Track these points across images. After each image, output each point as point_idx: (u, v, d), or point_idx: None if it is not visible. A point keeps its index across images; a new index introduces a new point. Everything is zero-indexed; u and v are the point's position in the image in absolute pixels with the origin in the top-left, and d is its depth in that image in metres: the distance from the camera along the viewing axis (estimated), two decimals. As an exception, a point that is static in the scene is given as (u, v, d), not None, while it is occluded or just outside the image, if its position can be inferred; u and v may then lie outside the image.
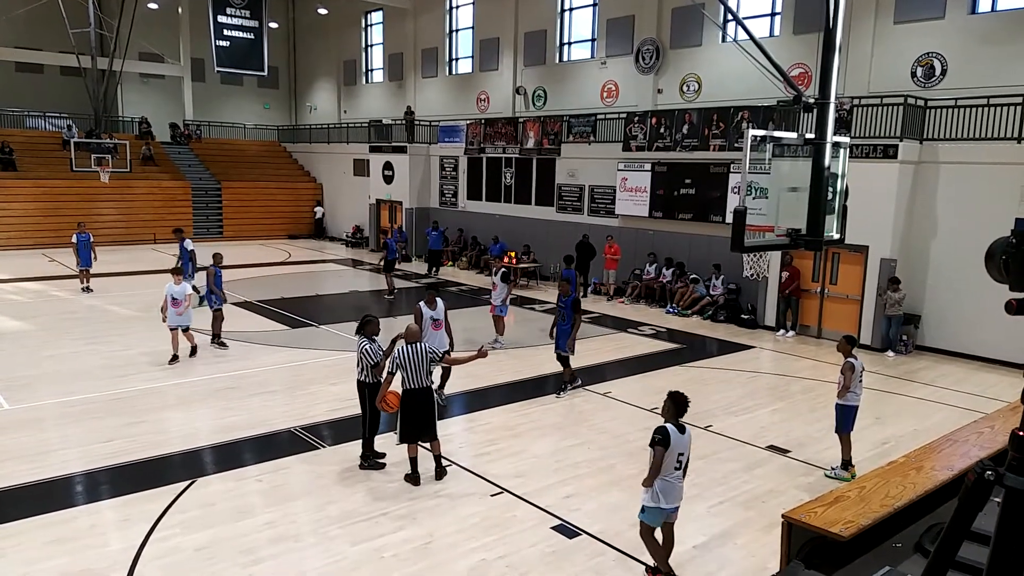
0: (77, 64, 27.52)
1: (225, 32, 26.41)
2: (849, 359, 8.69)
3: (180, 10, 34.19)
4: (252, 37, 27.07)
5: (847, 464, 8.63)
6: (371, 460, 8.49)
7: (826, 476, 8.58)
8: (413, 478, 8.05)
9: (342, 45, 35.19)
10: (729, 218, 16.71)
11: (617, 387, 11.68)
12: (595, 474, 8.41)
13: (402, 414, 7.95)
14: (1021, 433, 1.25)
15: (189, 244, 16.02)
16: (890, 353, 14.25)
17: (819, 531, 3.02)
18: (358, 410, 10.11)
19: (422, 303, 10.78)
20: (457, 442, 9.50)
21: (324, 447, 9.03)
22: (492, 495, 7.75)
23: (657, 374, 12.52)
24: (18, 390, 10.75)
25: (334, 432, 9.49)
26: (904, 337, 14.39)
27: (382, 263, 20.20)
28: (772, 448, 9.29)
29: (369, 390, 8.32)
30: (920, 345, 14.54)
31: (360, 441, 8.58)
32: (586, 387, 11.50)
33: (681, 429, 6.11)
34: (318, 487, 7.93)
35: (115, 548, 6.51)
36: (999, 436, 3.83)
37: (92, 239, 18.40)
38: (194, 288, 13.88)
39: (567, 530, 7.01)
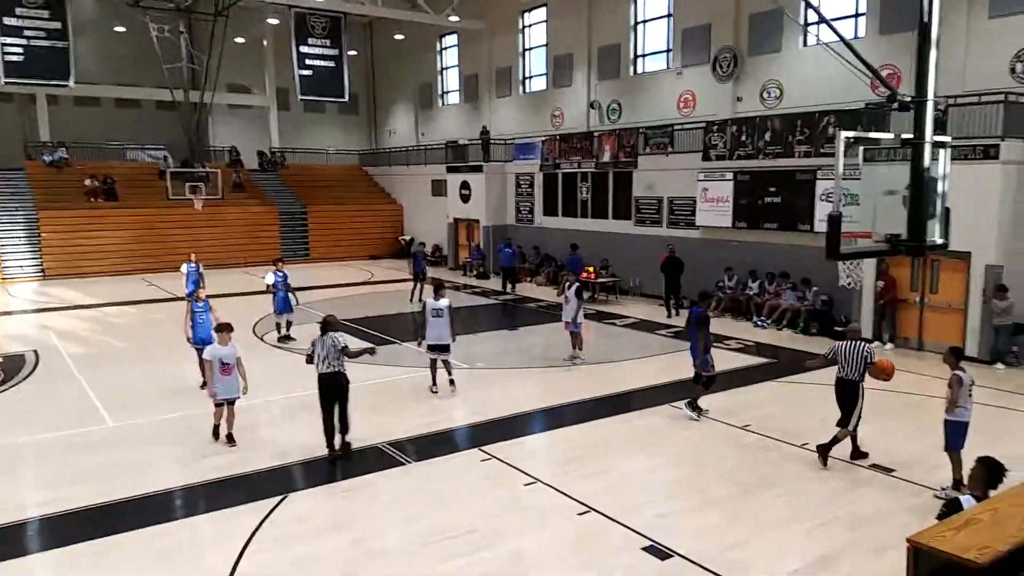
0: (171, 97, 29.10)
1: (307, 62, 27.38)
2: (956, 372, 8.18)
3: (265, 43, 35.74)
4: (333, 65, 27.97)
5: (959, 484, 8.06)
6: (338, 453, 9.11)
7: (935, 497, 8.04)
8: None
9: (418, 69, 36.00)
10: (818, 227, 16.12)
11: (706, 403, 11.31)
12: (687, 495, 8.14)
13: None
14: None
15: (272, 277, 15.82)
16: (999, 365, 13.36)
17: (950, 557, 2.77)
18: (444, 426, 10.16)
19: (430, 297, 11.93)
20: (541, 458, 9.40)
21: (410, 462, 9.07)
22: (580, 514, 7.59)
23: (747, 390, 12.09)
24: (119, 408, 11.26)
25: (418, 448, 9.53)
26: (1014, 348, 13.47)
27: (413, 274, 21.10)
28: (875, 467, 8.78)
29: (337, 383, 9.10)
30: (1034, 357, 13.57)
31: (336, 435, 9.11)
32: (671, 404, 11.19)
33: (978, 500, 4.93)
34: (406, 503, 7.96)
35: (211, 563, 6.67)
36: None
37: (201, 268, 17.97)
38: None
39: (659, 551, 6.77)
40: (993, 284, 13.37)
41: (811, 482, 8.42)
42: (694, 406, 10.69)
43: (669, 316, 18.47)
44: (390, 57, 37.74)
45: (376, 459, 9.19)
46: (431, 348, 11.89)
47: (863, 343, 9.12)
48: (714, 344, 15.49)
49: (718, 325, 17.21)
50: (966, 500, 4.79)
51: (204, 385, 10.82)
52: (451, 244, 29.44)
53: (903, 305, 15.05)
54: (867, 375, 8.90)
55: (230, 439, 9.52)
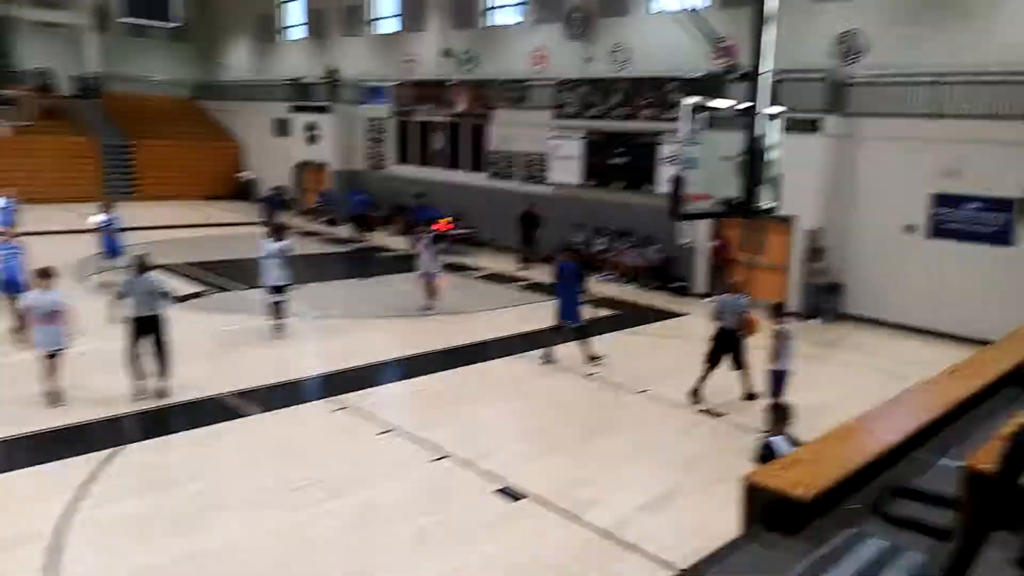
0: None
1: (132, -22, 24.74)
2: (778, 326, 9.00)
3: (82, -48, 31.84)
4: (160, -16, 25.51)
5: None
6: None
7: (758, 439, 8.90)
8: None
9: (259, -1, 33.54)
10: (661, 188, 16.97)
11: (562, 353, 11.74)
12: (538, 439, 8.49)
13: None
14: None
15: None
16: (817, 320, 14.85)
17: (780, 494, 3.08)
18: (293, 375, 9.90)
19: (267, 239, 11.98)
20: (394, 408, 9.41)
21: (256, 413, 8.76)
22: (432, 460, 7.71)
23: (593, 341, 12.67)
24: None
25: (265, 398, 9.21)
26: (829, 305, 15.00)
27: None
28: (706, 412, 9.56)
29: (154, 327, 8.89)
30: (844, 313, 15.17)
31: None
32: (523, 354, 11.53)
33: (796, 443, 5.36)
34: (251, 455, 7.71)
35: (31, 522, 6.15)
36: (939, 401, 4.01)
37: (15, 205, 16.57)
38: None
39: (510, 493, 7.04)
40: (812, 247, 14.77)
41: (651, 425, 9.04)
42: (593, 357, 11.09)
43: (521, 267, 18.90)
44: (229, -18, 34.85)
45: (218, 410, 8.79)
46: (274, 289, 11.78)
47: (742, 297, 9.93)
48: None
49: (565, 278, 17.84)
50: (777, 441, 5.39)
51: (20, 329, 9.84)
52: (297, 188, 28.16)
53: (735, 264, 16.28)
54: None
55: (54, 397, 8.63)
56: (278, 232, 12.20)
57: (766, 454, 5.37)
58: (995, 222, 13.28)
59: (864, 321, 14.79)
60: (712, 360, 9.74)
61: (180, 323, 12.13)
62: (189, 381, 9.40)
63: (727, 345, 9.71)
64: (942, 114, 13.75)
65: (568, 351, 11.40)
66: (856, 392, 10.44)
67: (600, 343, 12.03)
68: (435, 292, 13.88)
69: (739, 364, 9.78)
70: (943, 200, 13.81)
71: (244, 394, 9.27)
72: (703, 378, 9.73)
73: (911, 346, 13.22)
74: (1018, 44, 13.92)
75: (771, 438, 5.50)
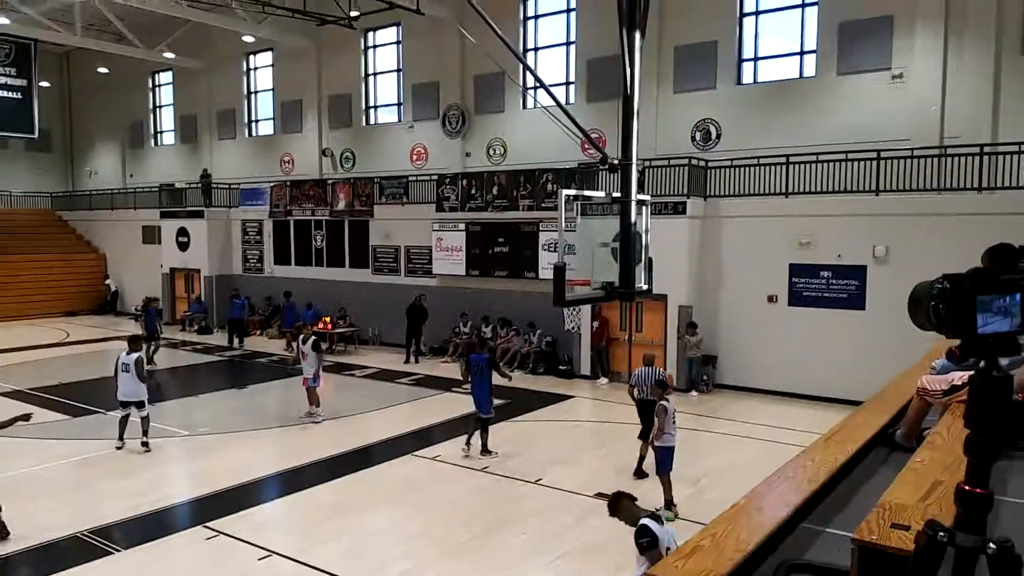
0: None
1: (-13, 90, 23.59)
2: (662, 402, 9.12)
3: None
4: (20, 97, 24.44)
5: (670, 504, 8.95)
6: None
7: None
8: None
9: (127, 106, 32.65)
10: (542, 274, 17.30)
11: (445, 449, 11.39)
12: (432, 544, 8.04)
13: None
14: (967, 488, 1.20)
15: None
16: (693, 393, 15.24)
17: (683, 587, 2.95)
18: (160, 504, 9.14)
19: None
20: (277, 528, 8.72)
21: (119, 551, 7.86)
22: (321, 583, 7.12)
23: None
24: None
25: (129, 532, 8.32)
26: (704, 377, 15.49)
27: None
28: (601, 495, 9.40)
29: None
30: (719, 383, 15.69)
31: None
32: (414, 453, 11.11)
33: (657, 519, 5.39)
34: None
35: None
36: (821, 469, 4.05)
37: None
38: None
39: (406, 610, 6.56)
40: (685, 322, 15.32)
41: (546, 516, 8.79)
42: (486, 450, 10.90)
43: (408, 362, 18.54)
44: (93, 91, 33.73)
45: (76, 551, 7.83)
46: (123, 404, 11.29)
47: (656, 368, 10.37)
48: (453, 388, 15.88)
49: (455, 370, 17.60)
50: (649, 522, 5.23)
51: None
52: (167, 296, 26.75)
53: (615, 343, 16.64)
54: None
55: None
56: (130, 343, 11.66)
57: (649, 540, 5.20)
58: (848, 288, 14.29)
59: (738, 390, 15.34)
60: (645, 434, 9.96)
61: (28, 454, 11.04)
62: (36, 522, 8.37)
63: (647, 414, 9.92)
64: (792, 192, 14.89)
65: (455, 448, 11.09)
66: (739, 461, 10.72)
67: (492, 432, 11.81)
68: (316, 398, 13.17)
69: (646, 435, 9.96)
70: (799, 270, 14.77)
71: (102, 531, 8.32)
72: (642, 454, 9.95)
73: (782, 411, 13.75)
74: (855, 125, 15.45)
75: (642, 521, 5.32)
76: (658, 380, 9.81)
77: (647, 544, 5.12)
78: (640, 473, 9.96)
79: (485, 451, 10.92)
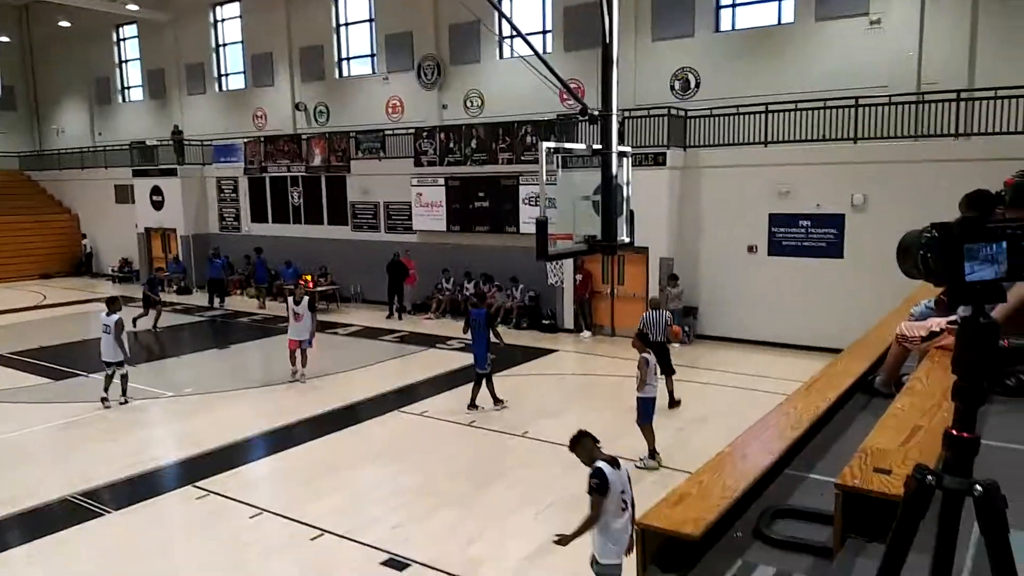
0: None
1: (-60, 45, 22.70)
2: (643, 355, 9.25)
3: None
4: (-23, 51, 23.56)
5: (653, 453, 9.15)
6: None
7: (636, 467, 9.02)
8: None
9: (92, 61, 31.68)
10: (523, 228, 17.25)
11: (432, 405, 11.51)
12: (421, 500, 8.17)
13: None
14: (954, 432, 1.23)
15: None
16: (675, 344, 15.41)
17: (671, 533, 3.04)
18: (149, 465, 9.19)
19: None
20: (267, 486, 8.81)
21: (110, 512, 7.92)
22: (312, 539, 7.23)
23: (470, 387, 12.51)
24: None
25: (119, 494, 8.37)
26: (686, 328, 15.65)
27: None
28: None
29: None
30: (700, 334, 15.89)
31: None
32: (401, 409, 11.21)
33: (614, 463, 5.31)
34: (109, 559, 6.93)
35: None
36: (803, 416, 4.15)
37: None
38: None
39: (397, 563, 6.70)
40: (667, 274, 15.42)
41: (532, 469, 8.94)
42: (473, 404, 11.05)
43: (390, 318, 18.56)
44: (56, 46, 32.65)
45: (67, 513, 7.88)
46: (106, 364, 11.41)
47: (663, 312, 11.35)
48: (437, 345, 15.96)
49: (438, 326, 17.69)
50: (605, 466, 5.22)
51: None
52: (143, 257, 26.42)
53: (598, 296, 16.74)
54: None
55: None
56: (109, 304, 11.58)
57: (599, 483, 5.20)
58: (826, 237, 14.42)
59: (719, 340, 15.55)
60: (668, 370, 11.03)
61: (12, 419, 11.00)
62: (24, 486, 8.39)
63: (659, 355, 10.47)
64: (771, 141, 14.89)
65: (443, 401, 11.20)
66: (718, 410, 10.95)
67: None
68: (306, 359, 13.06)
69: (668, 370, 11.04)
70: (779, 220, 14.87)
71: (91, 493, 8.36)
72: (669, 388, 11.08)
73: (762, 360, 13.98)
74: (833, 72, 15.40)
75: (597, 463, 5.30)
76: (639, 333, 9.92)
77: (596, 487, 5.12)
78: (673, 403, 11.09)
79: (473, 405, 11.03)
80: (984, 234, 1.44)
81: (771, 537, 3.13)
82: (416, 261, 19.22)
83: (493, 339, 11.07)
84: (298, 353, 12.87)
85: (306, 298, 13.01)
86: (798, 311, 14.55)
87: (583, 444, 5.45)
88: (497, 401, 11.14)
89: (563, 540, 5.42)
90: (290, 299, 13.05)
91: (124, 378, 11.51)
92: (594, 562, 5.26)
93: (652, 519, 3.12)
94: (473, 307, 11.63)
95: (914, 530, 1.48)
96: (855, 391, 4.93)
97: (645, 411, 9.18)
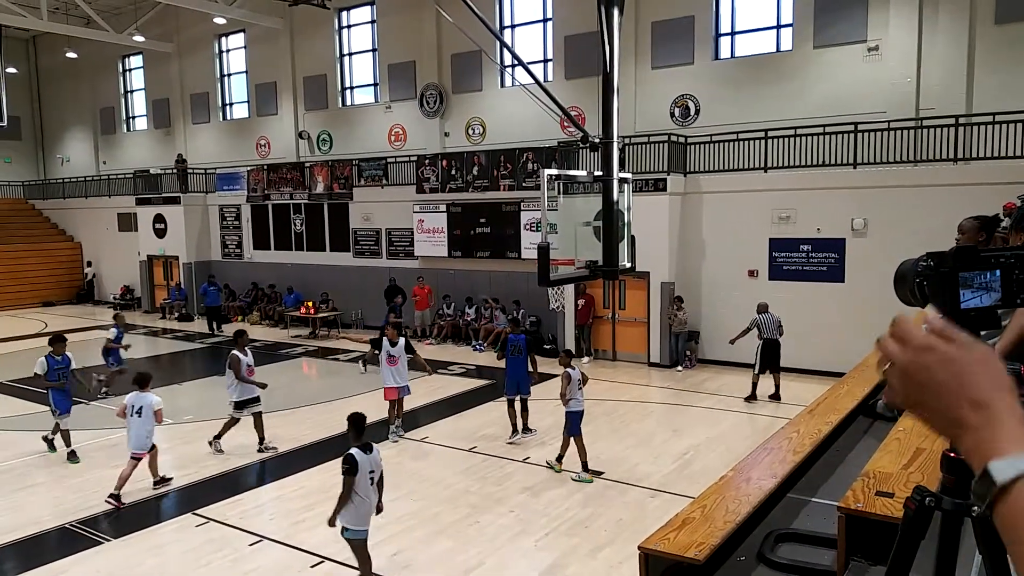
0: None
1: (-50, 77, 23.01)
2: (567, 370, 9.34)
3: None
4: (-15, 82, 23.85)
5: (585, 466, 9.34)
6: None
7: (572, 480, 9.16)
8: None
9: (97, 91, 32.06)
10: (525, 254, 17.30)
11: (433, 431, 11.46)
12: (421, 525, 8.10)
13: None
14: (952, 455, 1.24)
15: None
16: (678, 368, 15.39)
17: (675, 558, 3.02)
18: (148, 493, 9.14)
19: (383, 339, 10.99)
20: (267, 513, 8.74)
21: (109, 540, 7.85)
22: (312, 566, 7.16)
23: (471, 413, 12.48)
24: None
25: (118, 522, 8.31)
26: (688, 352, 15.63)
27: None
28: (586, 471, 9.52)
29: None
30: (702, 359, 15.85)
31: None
32: (403, 436, 11.15)
33: (367, 449, 6.29)
34: (105, 590, 6.86)
35: None
36: (805, 440, 4.13)
37: None
38: None
39: (398, 591, 6.62)
40: (672, 297, 15.42)
41: (534, 494, 8.88)
42: (527, 428, 10.95)
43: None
44: (62, 76, 33.06)
45: (65, 542, 7.82)
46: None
47: (773, 314, 12.60)
48: (438, 371, 15.91)
49: (439, 351, 17.66)
50: (355, 451, 6.17)
51: None
52: (145, 284, 26.49)
53: (599, 321, 16.73)
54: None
55: None
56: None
57: (348, 468, 6.12)
58: (827, 261, 14.45)
59: (721, 364, 15.49)
60: (763, 367, 12.50)
61: (11, 446, 10.94)
62: (22, 514, 8.33)
63: (771, 352, 12.41)
64: (771, 166, 14.98)
65: (444, 426, 11.13)
66: (721, 434, 10.87)
67: (477, 416, 11.89)
68: (402, 408, 11.43)
69: (776, 368, 12.58)
70: (779, 244, 14.90)
71: (90, 521, 8.30)
72: (755, 384, 12.65)
73: (765, 384, 13.86)
74: (832, 99, 15.53)
75: (350, 450, 6.22)
76: (565, 350, 10.12)
77: (346, 471, 6.11)
78: (751, 398, 12.67)
79: (527, 429, 10.89)
80: (978, 263, 1.47)
81: (775, 561, 3.11)
82: (406, 285, 19.25)
83: (530, 367, 10.69)
84: (395, 404, 11.11)
85: (402, 339, 11.17)
86: (799, 335, 14.49)
87: (349, 431, 6.49)
88: (528, 429, 10.97)
89: (331, 521, 6.24)
90: (384, 340, 10.94)
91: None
92: (344, 530, 6.19)
93: (656, 544, 3.10)
94: (511, 332, 11.26)
95: (913, 552, 1.48)
96: (857, 414, 4.92)
97: (573, 424, 9.33)
